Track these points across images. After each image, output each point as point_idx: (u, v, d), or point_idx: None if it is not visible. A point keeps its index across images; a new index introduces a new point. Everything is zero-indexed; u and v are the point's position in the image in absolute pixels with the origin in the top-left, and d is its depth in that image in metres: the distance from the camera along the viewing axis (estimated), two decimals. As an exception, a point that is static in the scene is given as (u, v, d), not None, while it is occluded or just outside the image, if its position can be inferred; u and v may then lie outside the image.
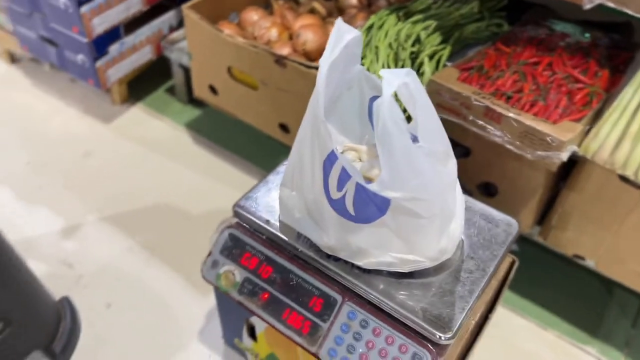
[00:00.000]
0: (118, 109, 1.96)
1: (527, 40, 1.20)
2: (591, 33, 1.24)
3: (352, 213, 0.82)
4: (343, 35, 0.79)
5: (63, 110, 1.95)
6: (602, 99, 1.05)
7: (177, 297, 1.38)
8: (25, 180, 1.68)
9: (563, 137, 0.95)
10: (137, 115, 1.95)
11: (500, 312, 1.38)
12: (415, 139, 0.75)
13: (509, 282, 1.07)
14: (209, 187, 1.68)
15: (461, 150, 1.23)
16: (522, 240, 1.35)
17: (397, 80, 0.69)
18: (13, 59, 2.14)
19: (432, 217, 0.79)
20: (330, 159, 0.81)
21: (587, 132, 1.03)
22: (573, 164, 1.10)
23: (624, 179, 1.00)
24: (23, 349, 1.17)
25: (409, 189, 0.75)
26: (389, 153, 0.72)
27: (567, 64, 1.11)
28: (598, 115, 1.03)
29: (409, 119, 0.81)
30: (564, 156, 0.97)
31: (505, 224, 0.99)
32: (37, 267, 1.42)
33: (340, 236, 0.85)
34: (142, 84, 2.04)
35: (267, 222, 0.97)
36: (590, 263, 1.19)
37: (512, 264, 1.07)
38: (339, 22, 0.79)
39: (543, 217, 1.24)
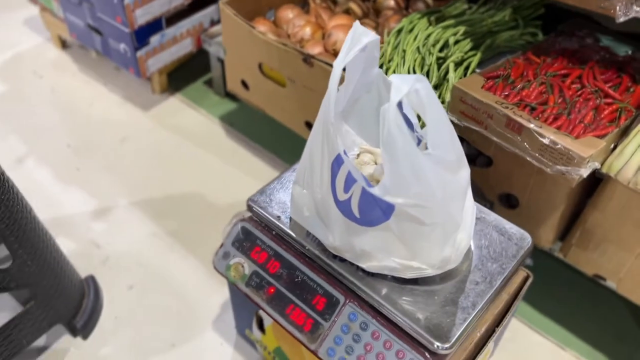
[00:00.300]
0: (157, 98, 2.03)
1: (559, 51, 1.17)
2: (634, 47, 1.20)
3: (357, 215, 0.82)
4: (360, 38, 0.80)
5: (105, 96, 2.03)
6: (631, 116, 1.02)
7: (196, 284, 1.42)
8: (65, 161, 1.76)
9: (584, 152, 0.92)
10: (175, 104, 2.01)
11: (518, 328, 1.36)
12: (426, 146, 0.74)
13: (522, 296, 1.05)
14: (236, 178, 1.72)
15: (484, 159, 1.21)
16: (545, 255, 1.32)
17: (406, 87, 0.69)
18: (64, 44, 2.24)
19: (434, 225, 0.78)
20: (338, 161, 0.82)
21: (613, 149, 1.00)
22: (599, 181, 1.07)
23: (649, 200, 0.97)
24: (47, 321, 1.23)
25: (411, 196, 0.75)
26: (392, 159, 0.72)
27: (598, 78, 1.08)
28: (625, 133, 0.99)
29: (423, 125, 0.81)
30: (584, 172, 0.94)
31: (518, 238, 0.97)
32: (67, 245, 1.50)
33: (345, 237, 0.86)
34: (182, 75, 2.09)
35: (278, 218, 0.98)
36: (611, 284, 1.15)
37: (525, 278, 1.05)
38: (356, 24, 0.80)
39: (566, 233, 1.21)
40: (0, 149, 1.77)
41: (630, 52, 1.17)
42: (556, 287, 1.42)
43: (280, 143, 1.82)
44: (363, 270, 0.90)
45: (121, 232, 1.56)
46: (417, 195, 0.74)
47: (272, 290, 0.97)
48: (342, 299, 0.92)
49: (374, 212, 0.80)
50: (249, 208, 1.02)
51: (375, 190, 0.75)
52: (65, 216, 1.59)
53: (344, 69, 0.80)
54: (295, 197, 0.95)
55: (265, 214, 0.99)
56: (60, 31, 2.13)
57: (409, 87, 0.69)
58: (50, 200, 1.63)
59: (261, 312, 1.10)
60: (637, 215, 1.01)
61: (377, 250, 0.84)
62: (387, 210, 0.79)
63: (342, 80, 0.83)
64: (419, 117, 0.92)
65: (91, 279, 1.40)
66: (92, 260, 1.48)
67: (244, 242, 1.02)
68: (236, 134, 1.88)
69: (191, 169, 1.75)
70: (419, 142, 0.88)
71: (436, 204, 0.76)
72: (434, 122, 0.74)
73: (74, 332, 1.31)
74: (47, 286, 1.21)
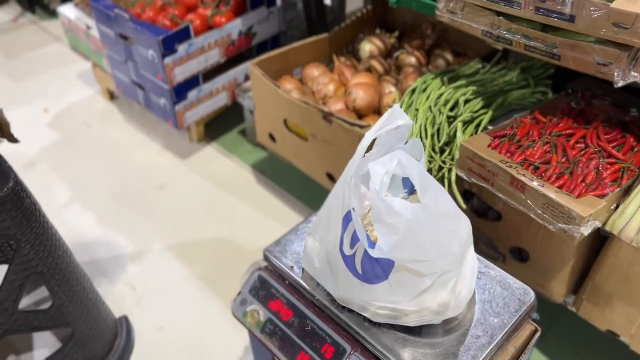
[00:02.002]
0: (195, 147, 2.16)
1: (565, 110, 1.22)
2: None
3: (360, 272, 0.88)
4: (395, 120, 0.89)
5: (147, 145, 2.18)
6: (634, 176, 1.04)
7: (222, 328, 1.49)
8: (107, 206, 1.89)
9: (583, 212, 0.96)
10: (211, 153, 2.13)
11: (535, 380, 1.36)
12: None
13: (530, 349, 1.06)
14: (264, 224, 1.80)
15: (494, 213, 1.25)
16: (564, 307, 1.32)
17: (384, 169, 0.78)
18: (112, 96, 2.43)
19: (433, 275, 0.83)
20: (348, 217, 0.89)
21: (616, 208, 1.03)
22: (607, 237, 1.09)
23: (652, 258, 0.99)
24: (81, 359, 1.32)
25: (408, 252, 0.81)
26: (385, 229, 0.79)
27: (602, 138, 1.11)
28: (628, 192, 1.02)
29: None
30: (585, 231, 0.97)
31: (521, 293, 1.00)
32: (104, 285, 1.60)
33: (349, 290, 0.92)
34: (218, 125, 2.23)
35: (291, 268, 1.05)
36: (624, 340, 1.15)
37: (533, 332, 1.07)
38: (396, 107, 0.89)
39: (579, 287, 1.22)
40: (49, 194, 1.93)
41: (637, 113, 1.20)
42: (574, 340, 1.42)
43: (307, 191, 1.90)
44: (369, 321, 0.95)
45: (155, 274, 1.65)
46: (414, 251, 0.80)
47: (285, 337, 1.03)
48: (348, 348, 0.97)
49: (374, 269, 0.86)
50: (266, 258, 1.09)
51: (374, 252, 0.81)
52: (104, 258, 1.70)
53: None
54: (308, 248, 1.02)
55: (280, 264, 1.06)
56: (109, 85, 2.32)
57: (387, 168, 0.77)
58: (91, 243, 1.75)
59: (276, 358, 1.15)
60: (641, 272, 1.02)
61: (377, 302, 0.90)
62: (386, 267, 0.85)
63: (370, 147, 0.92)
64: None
65: (124, 319, 1.49)
66: (127, 300, 1.57)
67: (260, 290, 1.09)
68: (266, 181, 1.97)
69: (223, 215, 1.85)
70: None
71: (434, 255, 0.82)
72: (420, 180, 0.81)
73: None
74: (83, 326, 1.30)
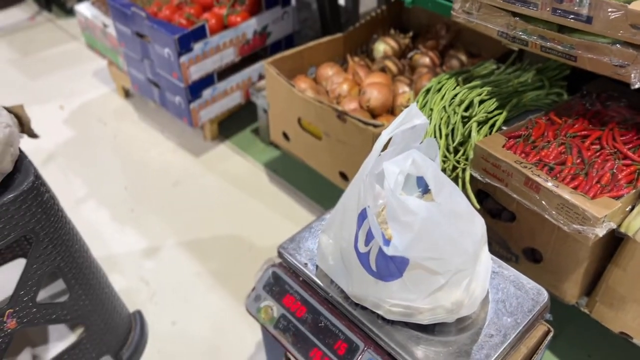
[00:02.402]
0: (208, 145, 2.18)
1: (581, 112, 1.21)
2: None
3: (374, 269, 0.89)
4: (412, 119, 0.90)
5: (161, 143, 2.20)
6: (650, 178, 1.04)
7: (234, 323, 1.51)
8: (122, 202, 1.92)
9: (598, 213, 0.96)
10: (224, 151, 2.15)
11: (546, 381, 1.35)
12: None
13: (543, 350, 1.06)
14: (276, 222, 1.81)
15: (508, 214, 1.25)
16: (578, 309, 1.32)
17: (398, 168, 0.78)
18: (127, 94, 2.45)
19: (447, 273, 0.84)
20: (363, 215, 0.90)
21: (632, 209, 1.03)
22: (621, 239, 1.09)
23: (667, 260, 0.98)
24: (96, 352, 1.34)
25: (422, 250, 0.82)
26: (399, 227, 0.80)
27: (618, 139, 1.11)
28: (643, 194, 1.02)
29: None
30: (600, 232, 0.97)
31: (535, 293, 1.00)
32: (119, 280, 1.62)
33: (363, 287, 0.92)
34: (232, 124, 2.24)
35: (305, 265, 1.06)
36: (638, 343, 1.15)
37: (546, 332, 1.07)
38: (413, 107, 0.89)
39: (592, 288, 1.22)
40: (65, 190, 1.95)
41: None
42: (587, 343, 1.41)
43: (319, 190, 1.91)
44: (383, 318, 0.96)
45: (168, 270, 1.67)
46: (429, 249, 0.81)
47: (298, 333, 1.04)
48: (361, 345, 0.98)
49: (388, 267, 0.87)
50: (279, 254, 1.10)
51: (388, 250, 0.82)
52: (119, 254, 1.73)
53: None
54: (322, 245, 1.03)
55: (294, 260, 1.07)
56: (124, 82, 2.34)
57: (401, 168, 0.78)
58: (106, 239, 1.78)
59: (289, 354, 1.16)
60: (656, 275, 1.02)
61: (391, 300, 0.90)
62: (401, 265, 0.86)
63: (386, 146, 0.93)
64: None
65: (138, 314, 1.51)
66: (141, 295, 1.59)
67: (274, 286, 1.10)
68: (279, 180, 1.98)
69: (235, 212, 1.86)
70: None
71: (449, 253, 0.82)
72: (434, 179, 0.82)
73: None
74: (98, 319, 1.32)
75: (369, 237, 0.89)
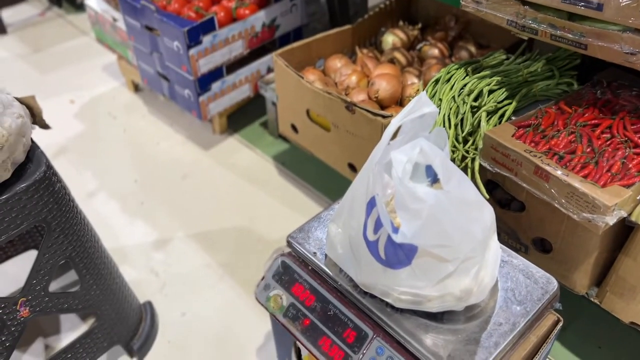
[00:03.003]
0: (217, 138, 2.18)
1: (591, 101, 1.21)
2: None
3: (383, 257, 0.89)
4: (422, 107, 0.89)
5: (171, 136, 2.21)
6: (661, 166, 1.03)
7: (243, 314, 1.52)
8: (132, 195, 1.93)
9: (608, 201, 0.95)
10: (233, 144, 2.15)
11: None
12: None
13: (553, 340, 1.06)
14: (285, 214, 1.82)
15: (517, 204, 1.25)
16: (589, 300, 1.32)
17: (405, 157, 0.79)
18: (136, 88, 2.47)
19: (456, 260, 0.84)
20: (372, 203, 0.90)
21: (642, 198, 1.02)
22: (632, 228, 1.08)
23: (678, 249, 0.98)
24: (107, 342, 1.36)
25: (431, 237, 0.82)
26: (408, 215, 0.80)
27: (629, 128, 1.10)
28: (654, 183, 1.01)
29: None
30: (610, 220, 0.97)
31: (544, 282, 1.00)
32: (129, 272, 1.64)
33: (372, 275, 0.93)
34: (241, 117, 2.25)
35: (314, 254, 1.06)
36: (648, 333, 1.15)
37: (556, 322, 1.07)
38: (423, 95, 0.89)
39: (602, 279, 1.21)
40: (76, 182, 1.97)
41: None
42: (597, 334, 1.41)
43: (327, 182, 1.91)
44: (392, 307, 0.96)
45: (178, 262, 1.68)
46: (437, 236, 0.81)
47: (307, 322, 1.05)
48: (370, 333, 0.98)
49: (397, 255, 0.87)
50: (289, 244, 1.10)
51: (397, 238, 0.82)
52: (129, 246, 1.74)
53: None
54: (331, 235, 1.03)
55: (303, 250, 1.07)
56: (133, 77, 2.35)
57: (409, 156, 0.78)
58: (116, 230, 1.79)
59: (299, 343, 1.17)
60: (667, 264, 1.02)
61: (400, 288, 0.91)
62: (409, 253, 0.86)
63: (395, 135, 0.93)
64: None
65: (149, 305, 1.52)
66: (151, 286, 1.60)
67: (283, 275, 1.10)
68: (287, 173, 1.99)
69: (244, 205, 1.87)
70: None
71: (457, 241, 0.82)
72: (442, 167, 0.82)
73: (131, 353, 1.43)
74: (110, 309, 1.34)
75: (378, 225, 0.89)
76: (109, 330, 1.35)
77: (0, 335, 1.12)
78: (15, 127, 1.01)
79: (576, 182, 1.00)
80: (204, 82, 1.90)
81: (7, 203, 1.01)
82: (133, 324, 1.44)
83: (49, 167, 1.10)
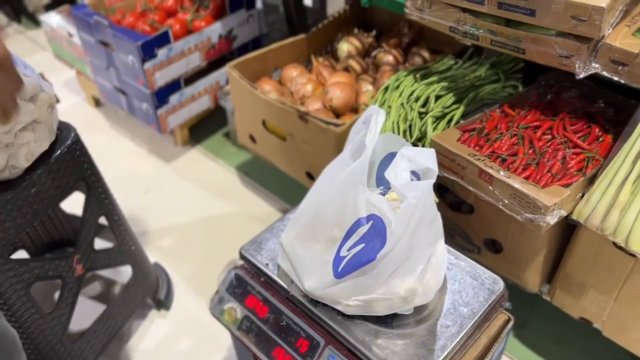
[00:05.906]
0: (180, 150, 2.18)
1: (534, 103, 1.24)
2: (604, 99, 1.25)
3: (339, 270, 0.91)
4: (377, 119, 0.92)
5: (133, 150, 2.19)
6: (598, 165, 1.07)
7: (207, 327, 1.51)
8: (93, 211, 1.91)
9: (548, 201, 0.98)
10: (195, 156, 2.15)
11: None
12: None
13: (504, 339, 1.08)
14: (249, 224, 1.82)
15: (467, 206, 1.27)
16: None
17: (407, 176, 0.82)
18: (97, 103, 2.44)
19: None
20: (358, 224, 0.92)
21: (582, 197, 1.05)
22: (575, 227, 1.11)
23: (617, 245, 1.01)
24: (141, 295, 1.44)
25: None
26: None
27: (568, 129, 1.13)
28: (592, 181, 1.04)
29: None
30: (551, 220, 0.99)
31: (491, 283, 1.02)
32: (90, 290, 1.61)
33: (321, 285, 0.94)
34: (203, 128, 2.24)
35: (266, 265, 1.07)
36: (597, 327, 1.18)
37: (506, 321, 1.09)
38: (373, 108, 0.91)
39: (552, 276, 1.24)
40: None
41: (603, 104, 1.22)
42: (554, 330, 1.44)
43: (290, 191, 1.92)
44: (342, 314, 0.97)
45: (140, 277, 1.67)
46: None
47: (261, 333, 1.05)
48: (322, 342, 0.99)
49: (351, 267, 0.89)
50: (241, 256, 1.11)
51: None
52: (90, 263, 1.72)
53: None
54: (283, 245, 1.03)
55: (255, 261, 1.08)
56: (93, 92, 2.33)
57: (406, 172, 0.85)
58: (77, 248, 1.77)
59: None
60: (608, 260, 1.04)
61: (350, 297, 0.92)
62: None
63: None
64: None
65: (157, 265, 1.62)
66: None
67: (237, 288, 1.10)
68: (251, 183, 1.99)
69: (208, 217, 1.87)
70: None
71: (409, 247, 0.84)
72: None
73: (159, 303, 1.52)
74: (141, 264, 1.42)
75: (357, 243, 0.91)
76: (141, 283, 1.43)
77: (63, 292, 1.18)
78: (49, 99, 1.04)
79: (517, 184, 1.02)
80: (162, 95, 1.89)
81: (57, 163, 1.11)
82: (154, 278, 1.51)
83: (76, 132, 1.18)
